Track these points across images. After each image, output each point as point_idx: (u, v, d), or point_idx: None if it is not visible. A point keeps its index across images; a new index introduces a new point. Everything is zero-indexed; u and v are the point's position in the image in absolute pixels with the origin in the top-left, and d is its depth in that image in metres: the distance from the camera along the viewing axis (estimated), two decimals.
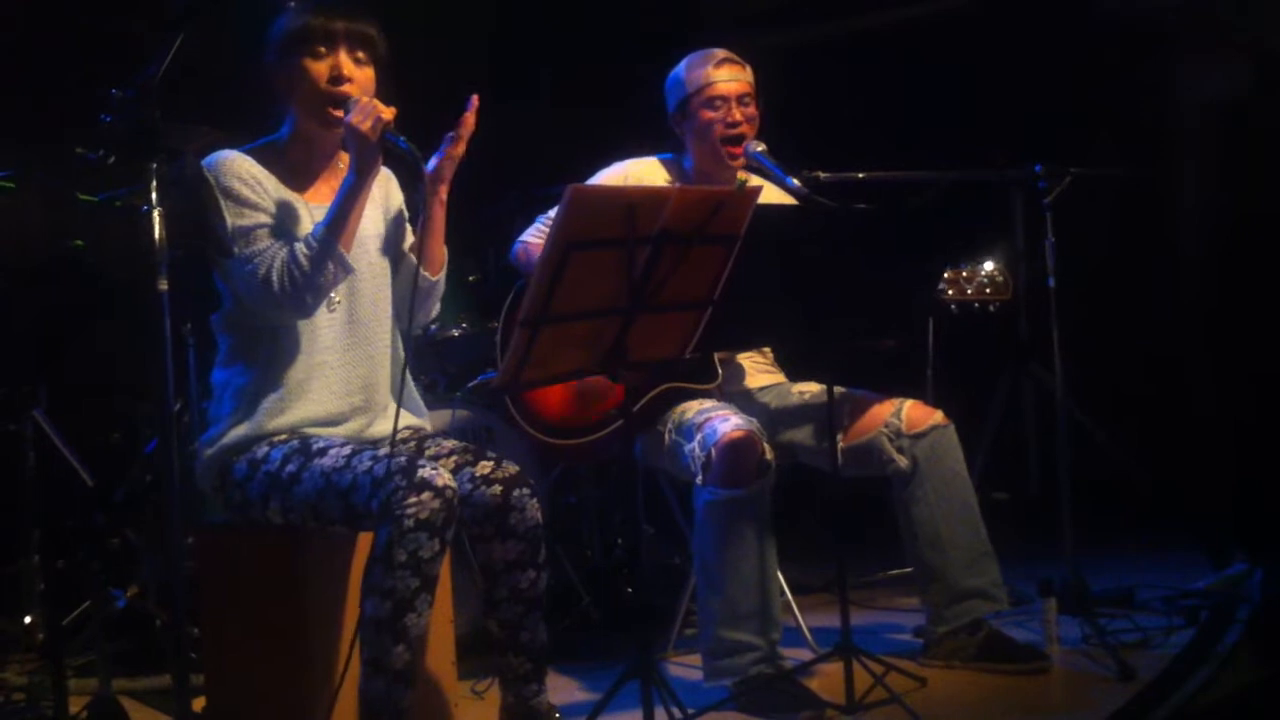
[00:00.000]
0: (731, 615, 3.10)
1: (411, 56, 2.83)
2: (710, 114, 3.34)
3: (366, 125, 2.61)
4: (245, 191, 2.68)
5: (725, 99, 3.33)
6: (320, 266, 2.62)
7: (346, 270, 2.67)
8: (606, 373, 2.66)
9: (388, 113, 2.64)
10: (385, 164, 2.79)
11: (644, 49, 4.11)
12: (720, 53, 3.39)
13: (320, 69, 2.70)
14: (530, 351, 2.49)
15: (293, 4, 2.73)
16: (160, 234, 2.52)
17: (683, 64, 3.43)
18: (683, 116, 3.39)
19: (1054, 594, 3.37)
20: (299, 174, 2.79)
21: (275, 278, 2.62)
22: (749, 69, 3.40)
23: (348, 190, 2.65)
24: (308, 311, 2.69)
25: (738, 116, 3.33)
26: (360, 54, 2.73)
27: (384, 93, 2.74)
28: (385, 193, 2.92)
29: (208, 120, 3.17)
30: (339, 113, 2.68)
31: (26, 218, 4.24)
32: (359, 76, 2.72)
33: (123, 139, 2.54)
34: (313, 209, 2.74)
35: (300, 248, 2.63)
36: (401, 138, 2.62)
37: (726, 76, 3.35)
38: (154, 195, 2.51)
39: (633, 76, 3.95)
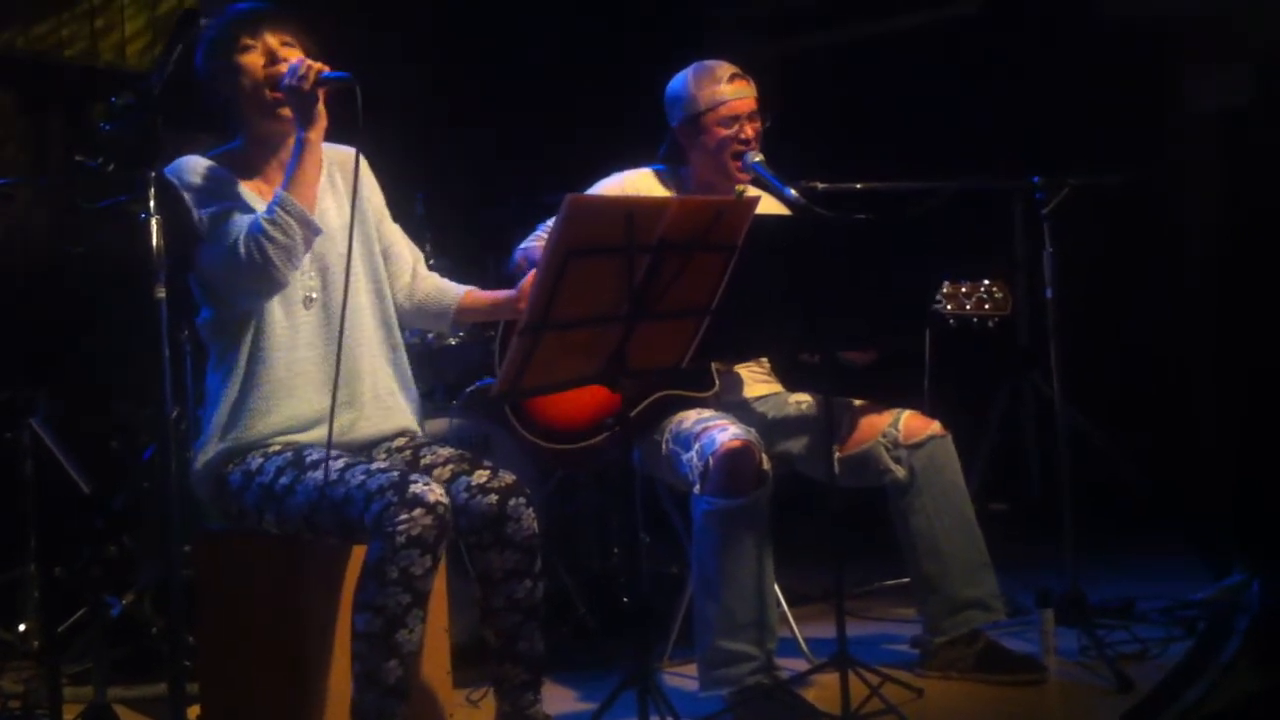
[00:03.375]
0: (729, 625, 3.10)
1: (413, 62, 2.83)
2: (725, 131, 3.34)
3: (306, 85, 2.65)
4: (203, 183, 2.74)
5: (738, 116, 3.35)
6: (283, 226, 2.63)
7: (314, 230, 2.69)
8: (607, 381, 2.65)
9: (318, 65, 2.67)
10: (330, 111, 2.75)
11: (645, 56, 4.11)
12: (728, 67, 3.39)
13: (254, 59, 2.76)
14: (530, 358, 2.49)
15: (203, 24, 2.75)
16: (158, 241, 2.52)
17: (688, 78, 3.41)
18: (693, 131, 3.38)
19: (1052, 605, 3.37)
20: (257, 176, 2.82)
21: (242, 247, 2.64)
22: (753, 83, 3.41)
23: (299, 149, 2.69)
24: (281, 278, 2.68)
25: (749, 133, 3.35)
26: (285, 38, 2.78)
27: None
28: (349, 185, 2.87)
29: (207, 128, 3.17)
30: (279, 94, 2.72)
31: (26, 224, 4.24)
32: (292, 58, 2.74)
33: (123, 147, 2.55)
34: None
35: (263, 215, 2.66)
36: (334, 72, 2.66)
37: (738, 93, 3.36)
38: (152, 203, 2.52)
39: (633, 83, 3.95)
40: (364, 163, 2.90)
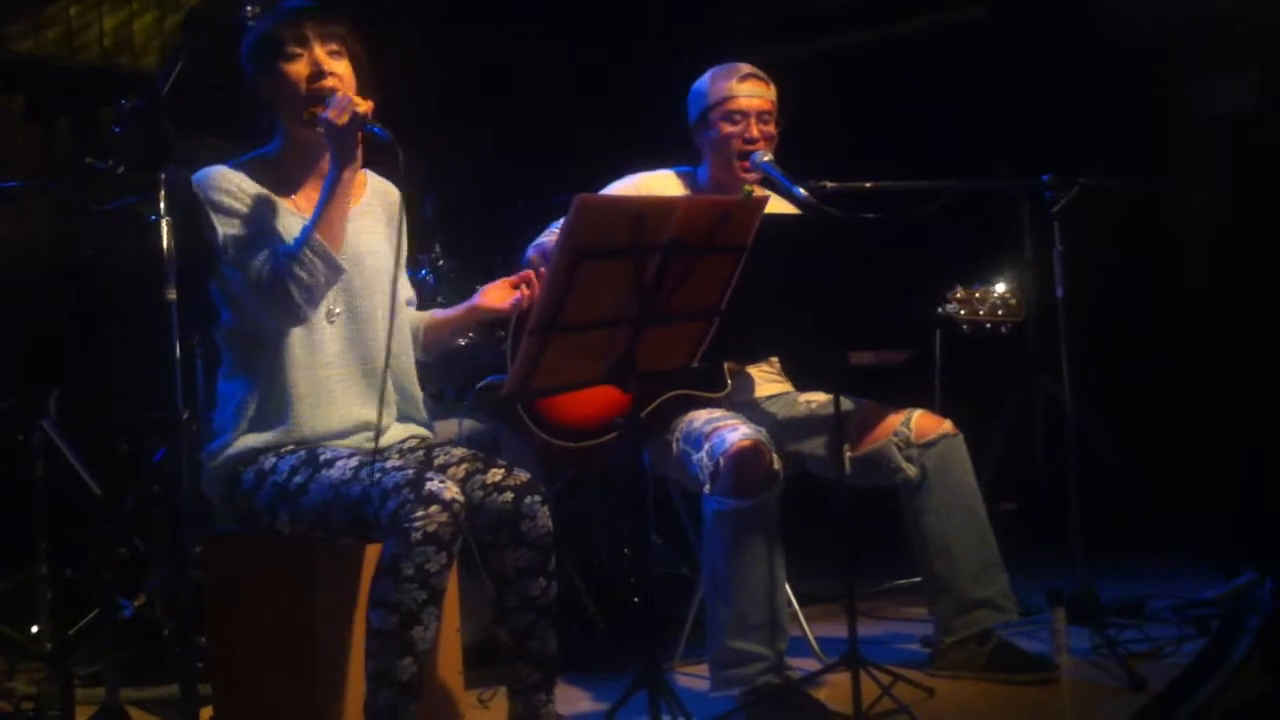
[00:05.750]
0: (739, 625, 3.10)
1: (416, 66, 2.83)
2: (729, 128, 3.33)
3: (343, 119, 2.61)
4: (231, 203, 2.69)
5: (745, 114, 3.33)
6: (308, 266, 2.61)
7: (336, 270, 2.66)
8: (616, 383, 2.65)
9: (364, 105, 2.64)
10: (369, 158, 2.75)
11: (660, 59, 4.12)
12: (745, 67, 3.38)
13: (299, 69, 2.71)
14: (540, 359, 2.49)
15: (249, 12, 2.72)
16: (169, 244, 2.53)
17: (707, 75, 3.42)
18: (702, 127, 3.39)
19: (1063, 604, 3.36)
20: (289, 183, 2.78)
21: (265, 281, 2.63)
22: (772, 86, 3.39)
23: (328, 187, 2.65)
24: (301, 314, 2.67)
25: (755, 133, 3.33)
26: (334, 47, 2.73)
27: (364, 90, 2.74)
28: (389, 214, 2.91)
29: (215, 132, 3.18)
30: (321, 109, 2.67)
31: (36, 228, 4.26)
32: (339, 69, 2.72)
33: (133, 149, 2.56)
34: (304, 217, 2.73)
35: (287, 250, 2.64)
36: (377, 125, 2.62)
37: (749, 92, 3.35)
38: (163, 205, 2.52)
39: (648, 86, 3.96)
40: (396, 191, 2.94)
